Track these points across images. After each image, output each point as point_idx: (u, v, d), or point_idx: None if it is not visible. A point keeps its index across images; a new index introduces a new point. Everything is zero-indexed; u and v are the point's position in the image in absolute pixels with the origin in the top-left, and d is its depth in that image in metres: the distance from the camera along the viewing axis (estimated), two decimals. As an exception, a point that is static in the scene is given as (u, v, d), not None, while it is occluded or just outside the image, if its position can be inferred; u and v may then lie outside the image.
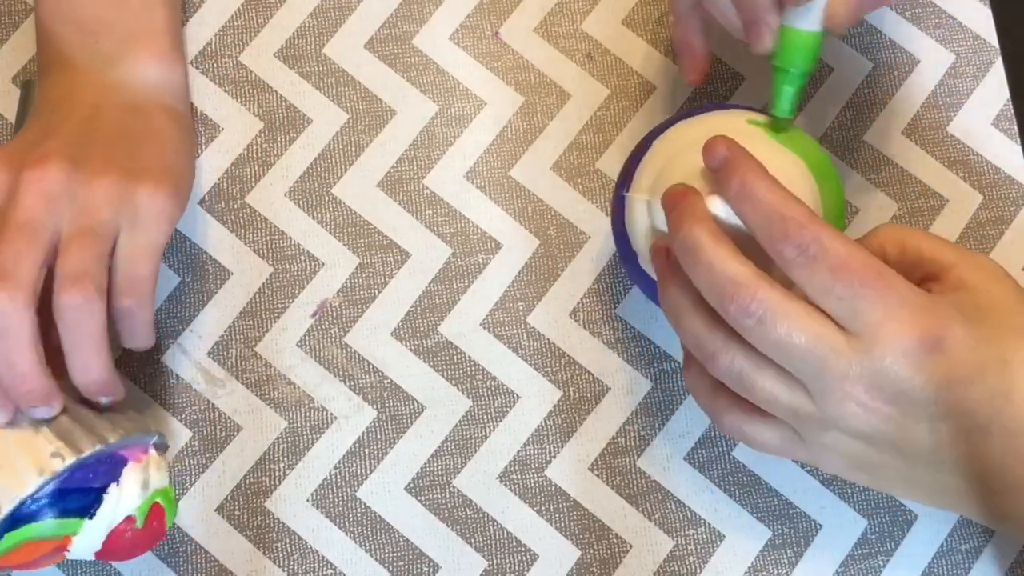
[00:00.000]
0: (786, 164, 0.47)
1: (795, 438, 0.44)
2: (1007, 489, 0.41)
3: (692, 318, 0.44)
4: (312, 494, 0.53)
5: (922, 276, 0.44)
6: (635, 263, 0.49)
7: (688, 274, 0.43)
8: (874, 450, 0.42)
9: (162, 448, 0.48)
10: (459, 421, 0.54)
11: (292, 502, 0.53)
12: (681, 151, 0.48)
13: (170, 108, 0.52)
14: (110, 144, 0.48)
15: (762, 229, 0.42)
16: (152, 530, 0.46)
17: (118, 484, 0.45)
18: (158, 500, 0.46)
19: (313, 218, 0.56)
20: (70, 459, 0.44)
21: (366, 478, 0.53)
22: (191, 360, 0.54)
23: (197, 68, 0.57)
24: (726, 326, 0.43)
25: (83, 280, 0.44)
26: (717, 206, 0.45)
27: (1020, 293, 0.43)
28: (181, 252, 0.55)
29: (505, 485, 0.53)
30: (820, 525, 0.53)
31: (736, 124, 0.49)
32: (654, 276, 0.48)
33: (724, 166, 0.44)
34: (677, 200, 0.44)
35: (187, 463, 0.53)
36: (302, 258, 0.55)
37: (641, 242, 0.48)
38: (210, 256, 0.55)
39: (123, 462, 0.46)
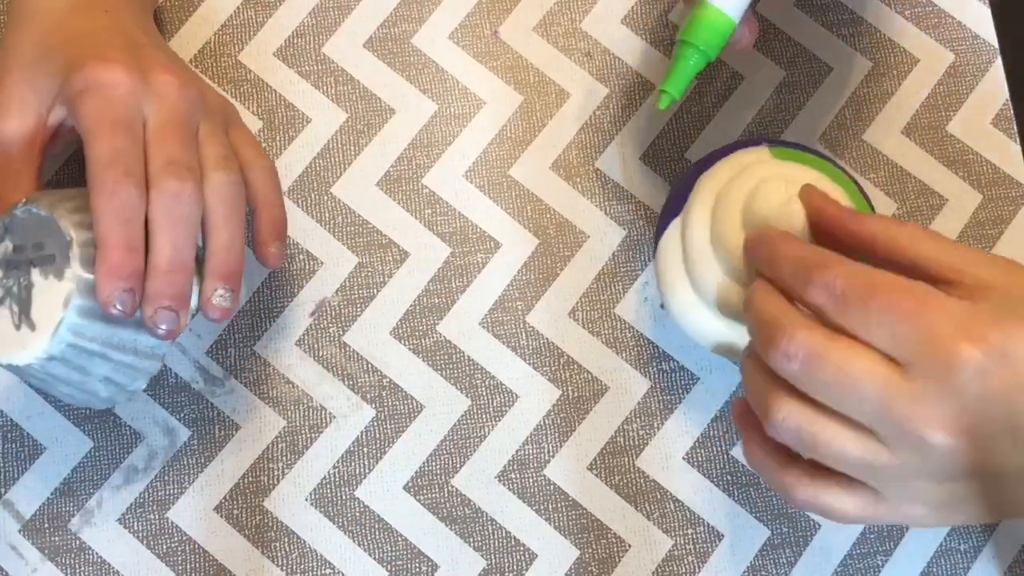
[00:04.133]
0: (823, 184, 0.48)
1: (876, 499, 0.41)
2: None
3: (754, 372, 0.42)
4: (311, 493, 0.53)
5: (926, 279, 0.41)
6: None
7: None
8: (961, 485, 0.40)
9: None
10: (458, 420, 0.54)
11: (291, 501, 0.53)
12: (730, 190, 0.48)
13: None
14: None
15: (792, 283, 0.41)
16: None
17: None
18: None
19: (312, 217, 0.56)
20: None
21: (365, 477, 0.53)
22: (190, 359, 0.54)
23: (197, 67, 0.57)
24: (784, 380, 0.41)
25: (231, 159, 0.48)
26: None
27: None
28: (180, 251, 0.55)
29: (504, 484, 0.53)
30: (819, 524, 0.53)
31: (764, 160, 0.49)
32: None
33: (753, 245, 0.44)
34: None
35: (185, 462, 0.53)
36: (301, 257, 0.55)
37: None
38: (209, 255, 0.55)
39: None
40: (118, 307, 0.43)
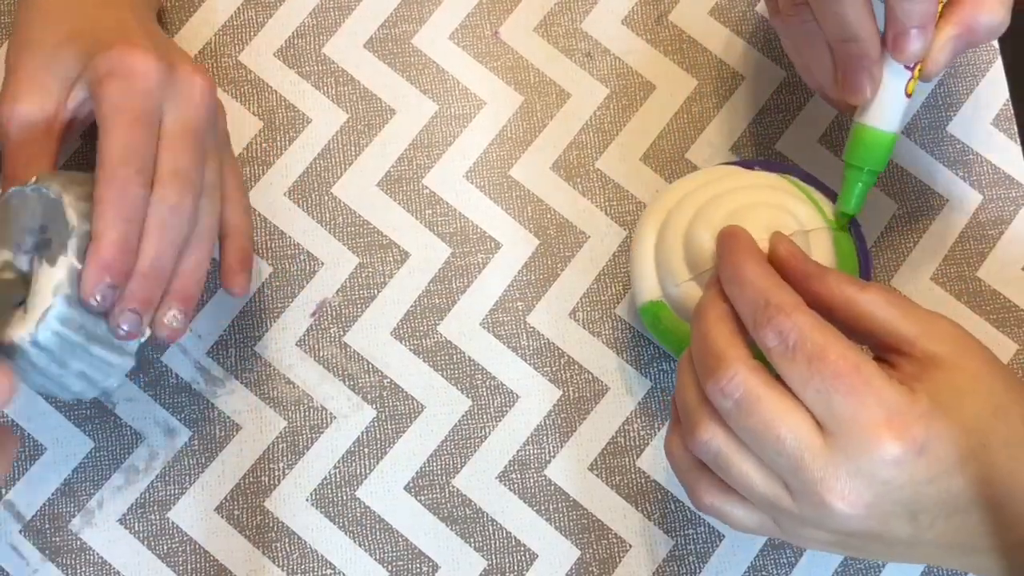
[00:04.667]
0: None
1: (773, 525, 0.43)
2: (985, 550, 0.41)
3: (690, 384, 0.43)
4: (311, 493, 0.53)
5: (881, 347, 0.42)
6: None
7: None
8: (853, 540, 0.41)
9: None
10: (458, 421, 0.54)
11: (291, 501, 0.53)
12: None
13: None
14: None
15: (748, 315, 0.41)
16: None
17: None
18: None
19: (313, 217, 0.56)
20: None
21: (365, 478, 0.53)
22: (191, 360, 0.54)
23: (197, 67, 0.57)
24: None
25: (216, 189, 0.49)
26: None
27: (991, 361, 0.42)
28: (181, 251, 0.55)
29: (504, 485, 0.53)
30: (819, 525, 0.53)
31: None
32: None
33: (723, 250, 0.44)
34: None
35: (186, 463, 0.53)
36: (302, 257, 0.55)
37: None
38: (210, 255, 0.55)
39: None
40: (98, 299, 0.44)
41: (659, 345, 0.54)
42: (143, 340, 0.46)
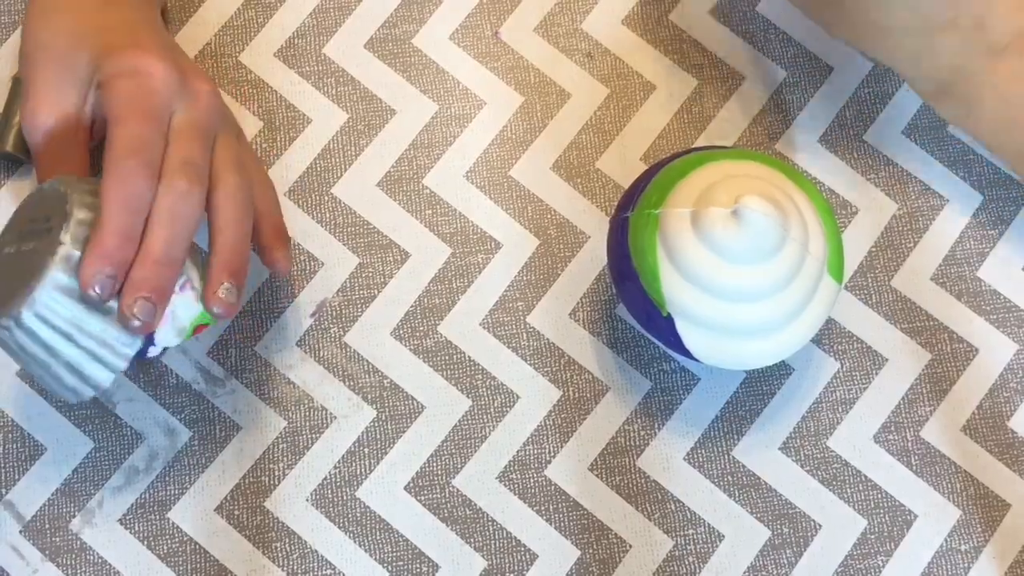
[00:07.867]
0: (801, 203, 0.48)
1: None
2: None
3: None
4: (311, 494, 0.53)
5: None
6: (637, 281, 0.49)
7: None
8: None
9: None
10: (458, 421, 0.54)
11: (291, 502, 0.53)
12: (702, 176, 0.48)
13: None
14: None
15: None
16: None
17: None
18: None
19: (313, 218, 0.56)
20: None
21: (365, 478, 0.53)
22: (191, 359, 0.54)
23: (197, 67, 0.57)
24: None
25: (243, 167, 0.49)
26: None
27: None
28: (181, 252, 0.55)
29: (505, 485, 0.53)
30: (819, 525, 0.53)
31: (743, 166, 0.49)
32: (655, 297, 0.48)
33: None
34: None
35: (186, 462, 0.53)
36: (302, 258, 0.55)
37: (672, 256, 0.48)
38: (210, 256, 0.55)
39: None
40: (97, 290, 0.43)
41: (658, 344, 0.55)
42: (138, 351, 0.46)
